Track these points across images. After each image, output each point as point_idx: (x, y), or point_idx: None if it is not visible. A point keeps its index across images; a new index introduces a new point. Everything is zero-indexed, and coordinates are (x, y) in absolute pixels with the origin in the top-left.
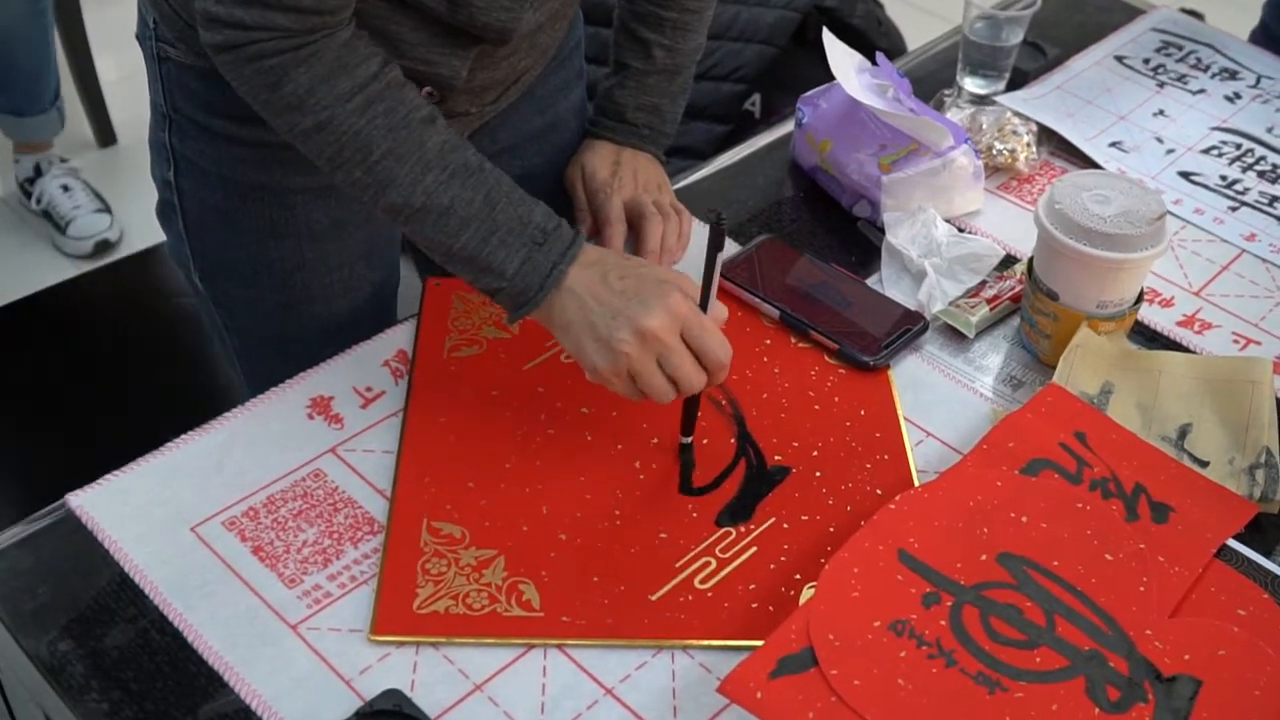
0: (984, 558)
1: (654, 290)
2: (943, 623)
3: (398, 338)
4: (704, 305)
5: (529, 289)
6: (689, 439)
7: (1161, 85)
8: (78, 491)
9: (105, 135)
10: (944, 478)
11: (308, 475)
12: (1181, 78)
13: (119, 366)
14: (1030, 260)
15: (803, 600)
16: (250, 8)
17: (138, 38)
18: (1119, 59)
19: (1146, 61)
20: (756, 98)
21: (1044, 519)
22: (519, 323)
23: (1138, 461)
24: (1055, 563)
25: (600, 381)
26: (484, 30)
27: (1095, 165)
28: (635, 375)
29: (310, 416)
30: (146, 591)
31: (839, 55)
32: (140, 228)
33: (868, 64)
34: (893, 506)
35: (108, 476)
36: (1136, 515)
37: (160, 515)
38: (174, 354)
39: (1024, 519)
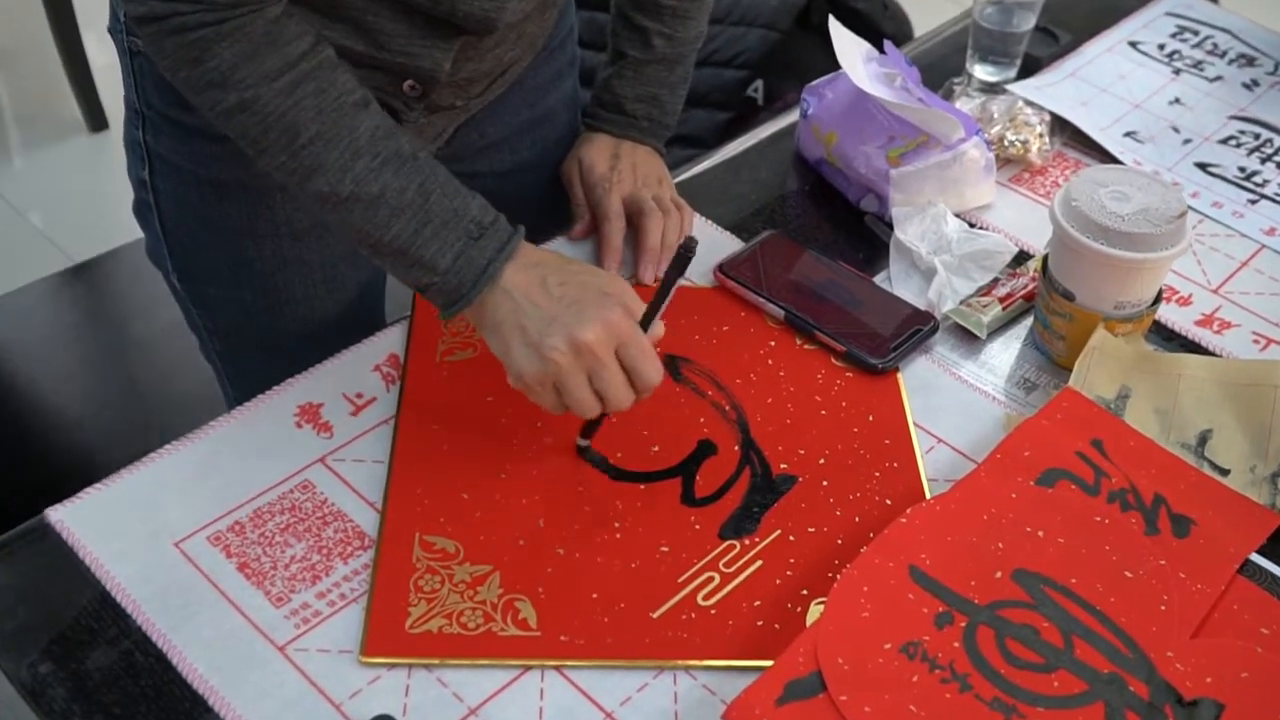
0: (999, 575)
1: (594, 301)
2: (956, 644)
3: (389, 341)
4: (646, 324)
5: (462, 285)
6: (586, 442)
7: (1177, 72)
8: (57, 506)
9: (96, 120)
10: (956, 490)
11: (296, 487)
12: (1198, 64)
13: (105, 368)
14: (1045, 258)
15: (810, 618)
16: None
17: (110, 31)
18: (1133, 44)
19: (1161, 47)
20: (759, 84)
21: (1061, 533)
22: (489, 344)
23: (1157, 470)
24: (1073, 580)
25: (522, 389)
26: (466, 21)
27: (1110, 156)
28: (561, 387)
29: (298, 425)
30: (129, 611)
31: (845, 44)
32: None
33: (875, 52)
34: (903, 521)
35: (88, 490)
36: (1156, 529)
37: (143, 531)
38: (163, 356)
39: (1040, 533)
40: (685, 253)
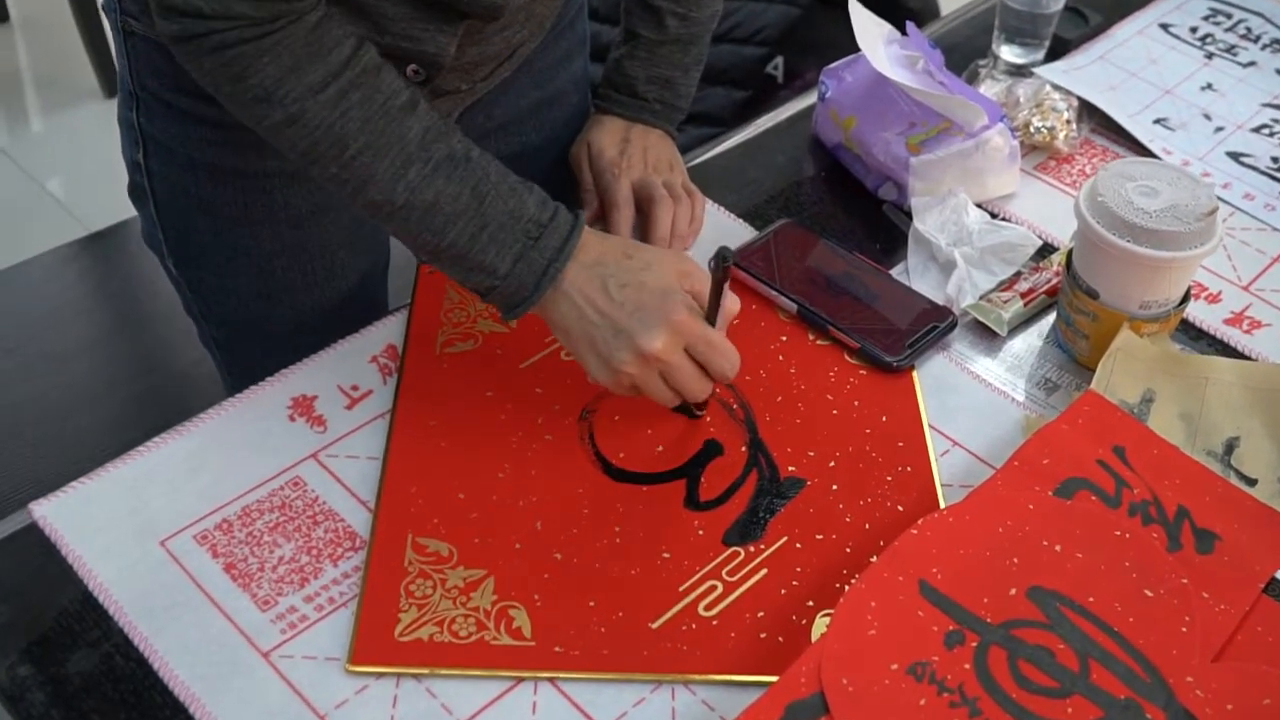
0: (1013, 592)
1: (657, 304)
2: (966, 666)
3: (387, 331)
4: (711, 318)
5: (523, 289)
6: (701, 413)
7: (1209, 57)
8: (42, 500)
9: (111, 86)
10: (971, 499)
11: (286, 484)
12: (1230, 48)
13: (119, 340)
14: (1069, 252)
15: (815, 631)
16: None
17: (103, 9)
18: (1164, 27)
19: (1194, 30)
20: (779, 61)
21: (1079, 548)
22: (561, 345)
23: (1181, 480)
24: (1091, 599)
25: (602, 385)
26: (471, 5)
27: (1139, 144)
28: (638, 388)
29: (291, 418)
30: (111, 612)
31: (865, 25)
32: None
33: (897, 34)
34: (914, 532)
35: (74, 484)
36: (1179, 544)
37: (128, 527)
38: (178, 329)
39: (1058, 548)
40: (723, 262)
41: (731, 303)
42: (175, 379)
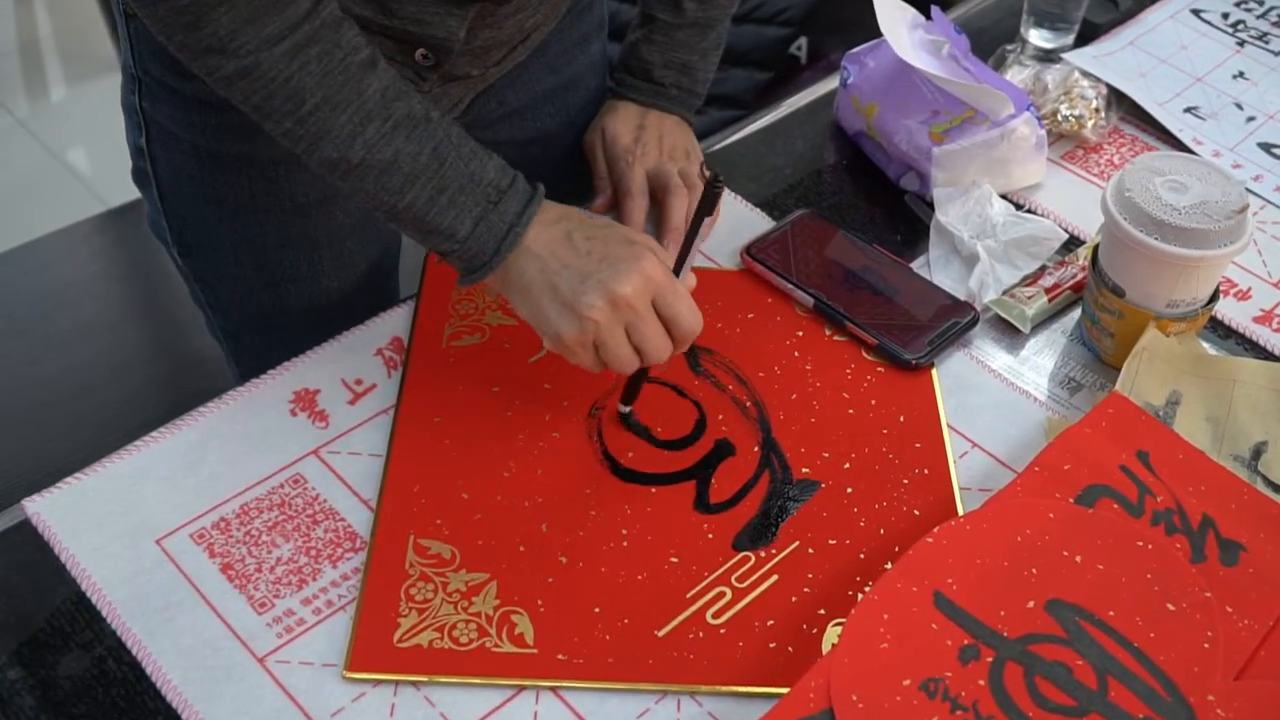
0: (1031, 605)
1: (625, 252)
2: (981, 682)
3: (394, 323)
4: (678, 270)
5: (483, 252)
6: (628, 408)
7: (1241, 44)
8: (35, 496)
9: None
10: (989, 506)
11: (286, 481)
12: (1262, 36)
13: (136, 320)
14: (1095, 247)
15: (826, 641)
16: None
17: None
18: (1195, 12)
19: (1225, 16)
20: (803, 42)
21: (1100, 559)
22: (518, 308)
23: (1206, 486)
24: (1111, 612)
25: (559, 351)
26: None
27: (1168, 133)
28: (600, 344)
29: (293, 413)
30: (104, 613)
31: (888, 10)
32: None
33: (921, 19)
34: (930, 540)
35: (68, 480)
36: (1203, 555)
37: (123, 525)
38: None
39: (1078, 559)
40: (713, 188)
41: (691, 278)
42: (188, 364)
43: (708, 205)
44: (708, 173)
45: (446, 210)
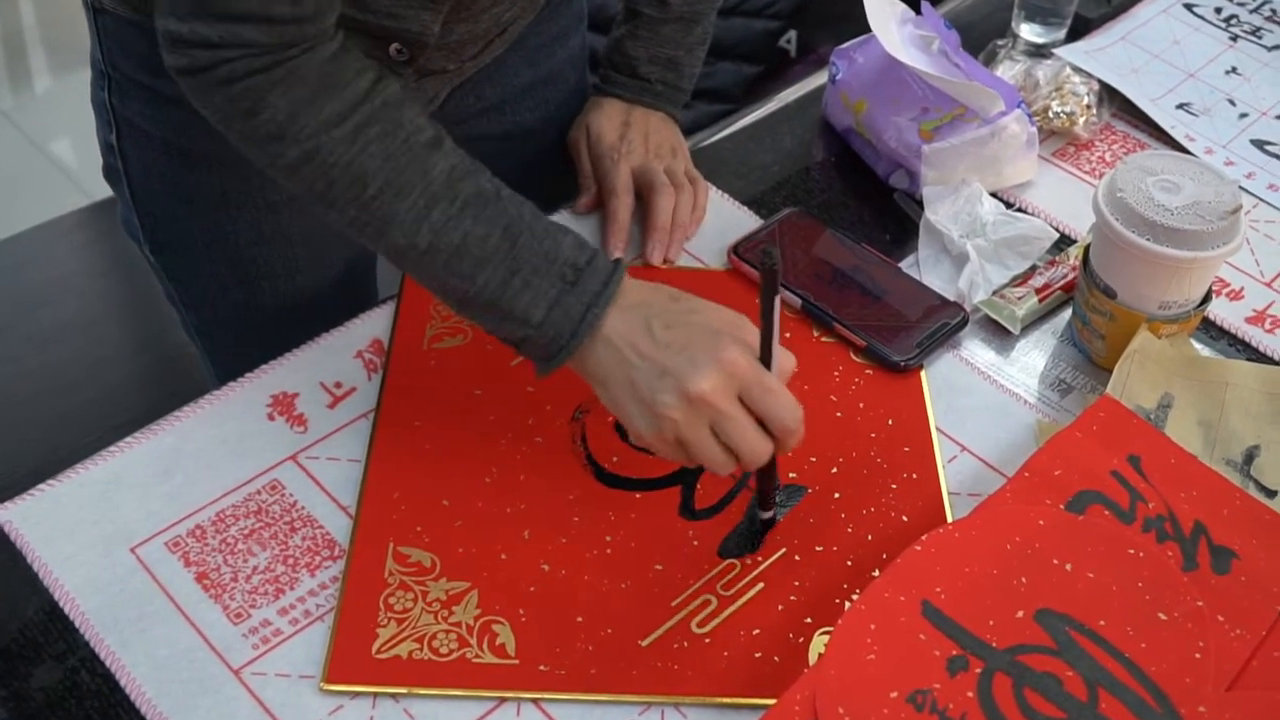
0: (1020, 614)
1: (705, 344)
2: (970, 694)
3: (373, 324)
4: (765, 358)
5: (559, 337)
6: (769, 514)
7: (1234, 39)
8: (8, 504)
9: None
10: (978, 513)
11: (264, 487)
12: (1255, 30)
13: (117, 317)
14: (1086, 248)
15: (813, 650)
16: (216, 23)
17: None
18: (1188, 7)
19: (1218, 11)
20: (792, 35)
21: (1091, 567)
22: (601, 399)
23: (1198, 492)
24: (1101, 622)
25: (649, 447)
26: None
27: (1161, 130)
28: (685, 443)
29: (271, 417)
30: (77, 624)
31: (878, 4)
32: None
33: (911, 13)
34: (918, 548)
35: (42, 486)
36: (1195, 564)
37: (96, 533)
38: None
39: (1068, 567)
40: (770, 267)
41: (787, 359)
42: (168, 361)
43: (771, 285)
44: (763, 252)
45: (521, 293)
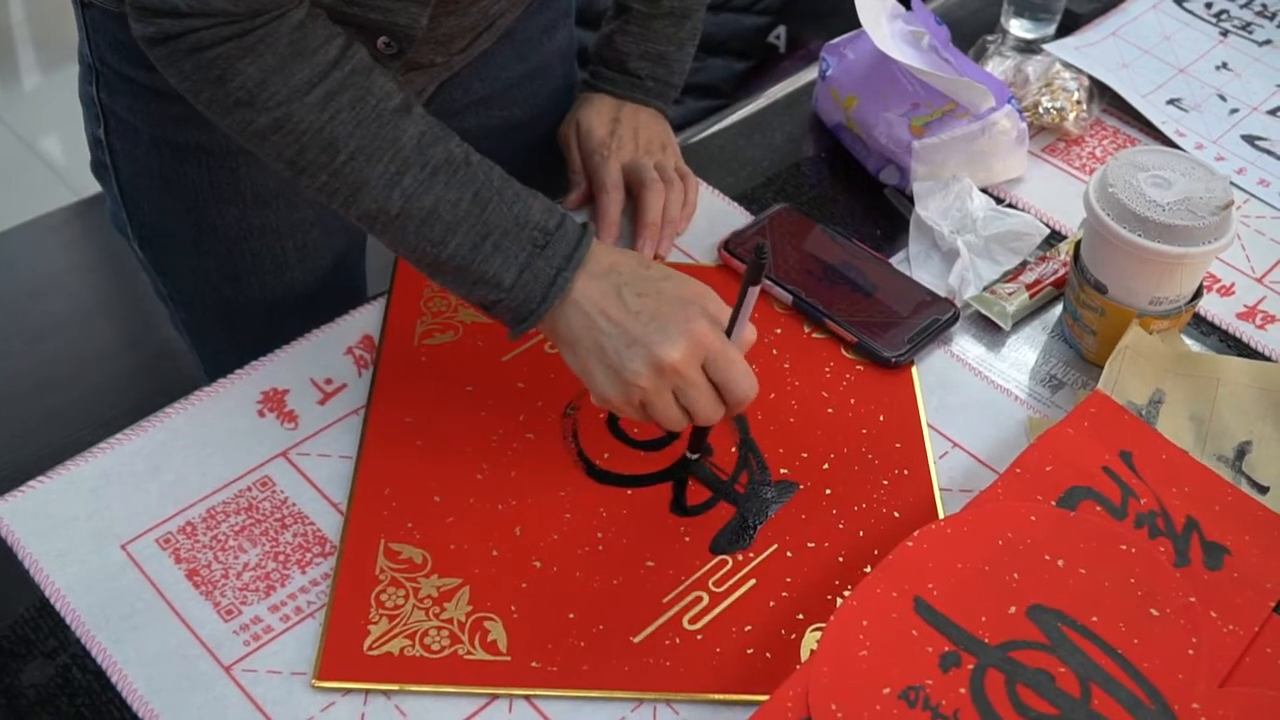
0: (1013, 610)
1: (676, 314)
2: (962, 690)
3: (364, 321)
4: (730, 331)
5: (530, 301)
6: (696, 455)
7: (1225, 34)
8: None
9: None
10: (970, 509)
11: (254, 484)
12: (1246, 25)
13: (106, 315)
14: (1077, 244)
15: (805, 647)
16: None
17: None
18: (1178, 2)
19: (1209, 6)
20: (782, 30)
21: (1083, 563)
22: (566, 360)
23: (1190, 488)
24: (1094, 618)
25: (606, 407)
26: None
27: (1151, 125)
28: (647, 405)
29: (261, 414)
30: (68, 621)
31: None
32: None
33: (900, 9)
34: (910, 544)
35: (32, 482)
36: (1187, 559)
37: (87, 530)
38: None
39: (1060, 563)
40: (759, 259)
41: (749, 333)
42: (158, 357)
43: (755, 275)
44: (756, 248)
45: (491, 258)
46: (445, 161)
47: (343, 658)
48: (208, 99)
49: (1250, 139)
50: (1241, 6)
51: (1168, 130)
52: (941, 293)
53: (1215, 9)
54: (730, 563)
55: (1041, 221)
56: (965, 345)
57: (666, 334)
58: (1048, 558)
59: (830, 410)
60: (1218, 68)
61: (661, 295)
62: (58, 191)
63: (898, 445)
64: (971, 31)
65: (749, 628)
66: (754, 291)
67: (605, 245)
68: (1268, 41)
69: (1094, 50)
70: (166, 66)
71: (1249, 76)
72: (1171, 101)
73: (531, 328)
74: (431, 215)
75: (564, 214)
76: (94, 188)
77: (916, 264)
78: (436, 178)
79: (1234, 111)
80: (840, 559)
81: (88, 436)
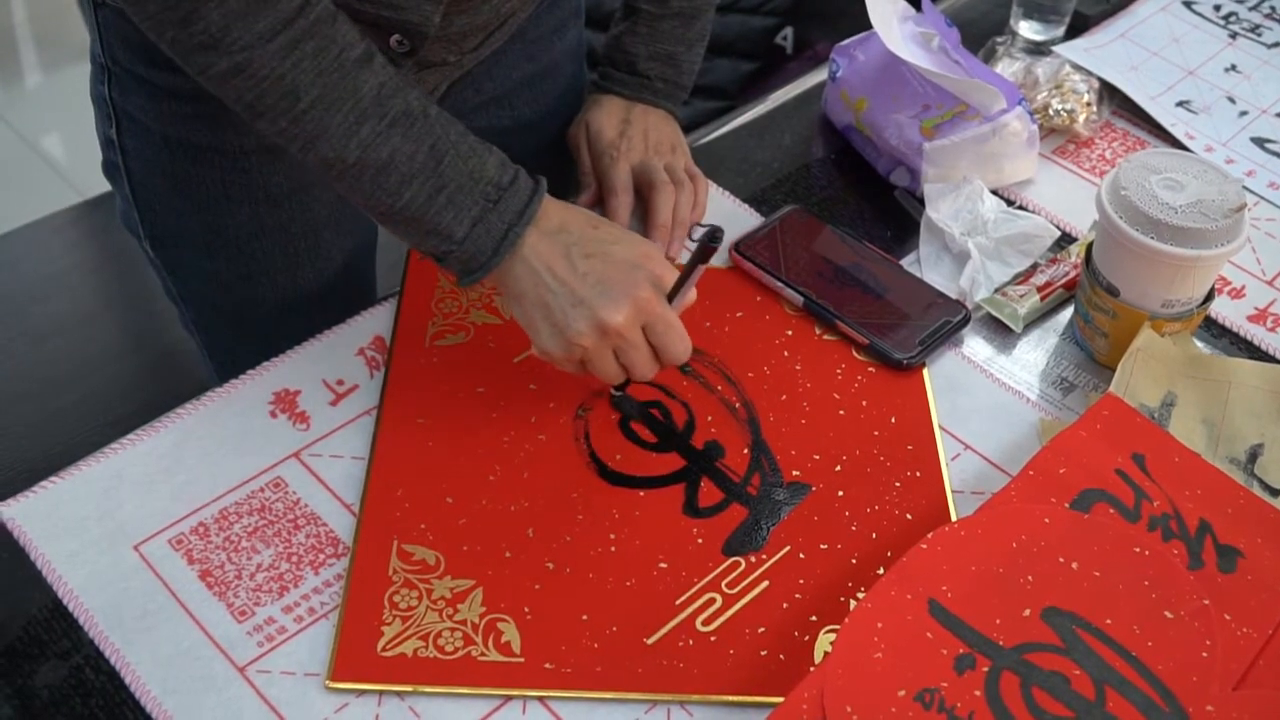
0: (1027, 613)
1: (621, 278)
2: (977, 693)
3: (375, 322)
4: (672, 297)
5: (480, 254)
6: (621, 391)
7: (1234, 36)
8: (10, 501)
9: None
10: (983, 512)
11: (267, 484)
12: (1255, 28)
13: (110, 316)
14: (1088, 246)
15: (818, 648)
16: None
17: None
18: (1187, 4)
19: (1217, 8)
20: (789, 31)
21: (1096, 566)
22: (511, 311)
23: (1202, 490)
24: (1108, 621)
25: (547, 359)
26: None
27: (1161, 127)
28: (587, 362)
29: (273, 415)
30: (81, 622)
31: (878, 1)
32: None
33: (911, 10)
34: (924, 547)
35: (44, 483)
36: (1201, 562)
37: (100, 531)
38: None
39: (1074, 565)
40: (709, 243)
41: (690, 296)
42: (164, 358)
43: (703, 256)
44: (707, 231)
45: (445, 210)
46: (404, 114)
47: (356, 659)
48: (171, 39)
49: (1260, 141)
50: (1250, 9)
51: (1177, 132)
52: (952, 295)
53: (1224, 11)
54: (743, 564)
55: (1052, 223)
56: (976, 347)
57: (611, 297)
58: (1061, 560)
59: (842, 412)
60: (1227, 70)
61: (609, 258)
62: (61, 191)
63: (910, 447)
64: (980, 33)
65: (762, 629)
66: (700, 269)
67: (558, 203)
68: (1277, 44)
69: (1103, 52)
70: (132, 6)
71: (1258, 79)
72: (1181, 104)
73: (480, 279)
74: (387, 166)
75: (518, 170)
76: (98, 188)
77: (927, 266)
78: (394, 129)
79: (1243, 114)
80: (853, 561)
81: (94, 437)
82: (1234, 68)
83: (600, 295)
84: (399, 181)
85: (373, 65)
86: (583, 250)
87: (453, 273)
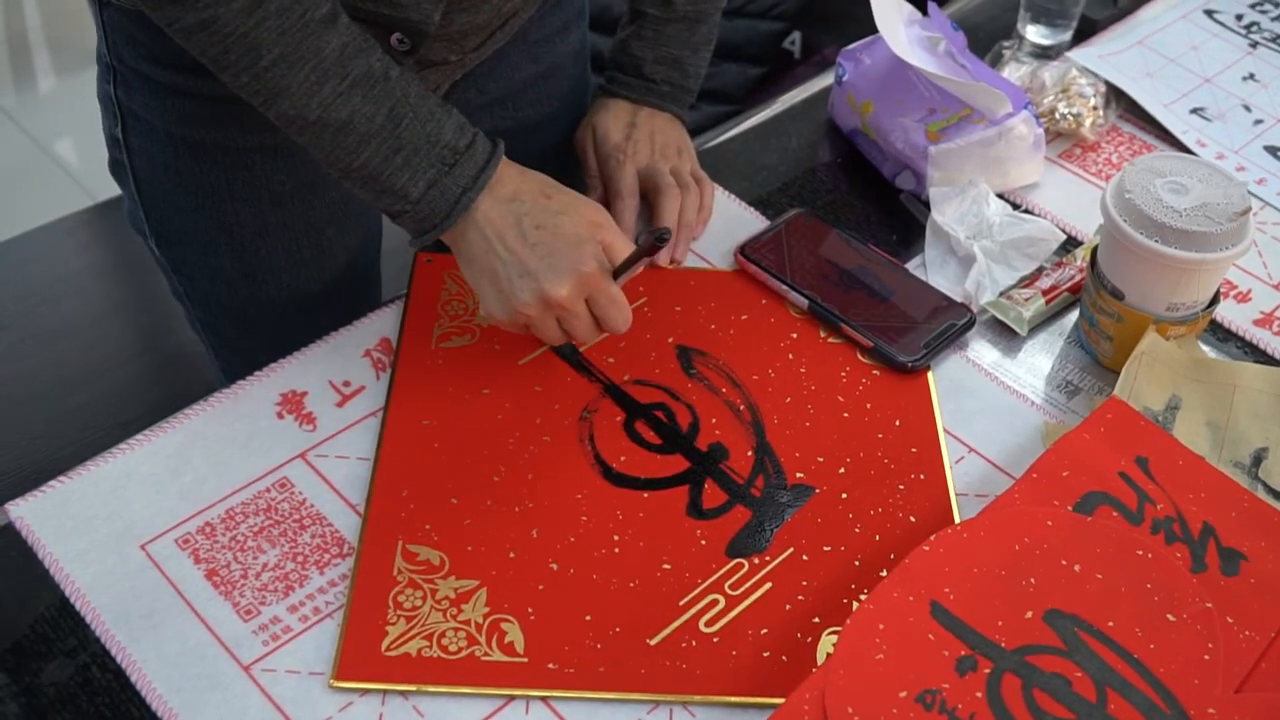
0: (1029, 615)
1: (569, 253)
2: (979, 694)
3: (382, 323)
4: (617, 275)
5: (434, 216)
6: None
7: (1254, 45)
8: (19, 500)
9: None
10: (986, 514)
11: (273, 485)
12: (1276, 38)
13: (123, 318)
14: (1093, 249)
15: (821, 650)
16: None
17: None
18: (1209, 13)
19: (1239, 18)
20: (796, 36)
21: (1099, 568)
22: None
23: (1206, 494)
24: (1110, 623)
25: (492, 322)
26: None
27: (1167, 130)
28: (530, 327)
29: (280, 415)
30: (88, 620)
31: (884, 5)
32: None
33: (918, 14)
34: (926, 548)
35: (53, 482)
36: (1204, 565)
37: (107, 530)
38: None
39: (1076, 568)
40: (657, 242)
41: (636, 269)
42: (172, 360)
43: (645, 251)
44: (655, 233)
45: (400, 172)
46: (365, 75)
47: (361, 658)
48: None
49: (1273, 150)
50: (1273, 19)
51: (1188, 139)
52: (957, 298)
53: (1246, 20)
54: (746, 566)
55: (1058, 227)
56: (981, 350)
57: (557, 271)
58: (1064, 563)
59: (846, 415)
60: (1244, 79)
61: (558, 231)
62: (73, 195)
63: (914, 450)
64: (987, 38)
65: (765, 631)
66: (644, 261)
67: (514, 167)
68: None
69: (1119, 59)
70: None
71: (1276, 88)
72: (1195, 110)
73: (432, 240)
74: (346, 126)
75: (475, 134)
76: (110, 191)
77: (932, 269)
78: (355, 90)
79: (1258, 122)
80: (856, 563)
81: (103, 438)
82: (1252, 76)
83: (547, 268)
84: (357, 141)
85: (336, 26)
86: (534, 220)
87: (407, 231)
